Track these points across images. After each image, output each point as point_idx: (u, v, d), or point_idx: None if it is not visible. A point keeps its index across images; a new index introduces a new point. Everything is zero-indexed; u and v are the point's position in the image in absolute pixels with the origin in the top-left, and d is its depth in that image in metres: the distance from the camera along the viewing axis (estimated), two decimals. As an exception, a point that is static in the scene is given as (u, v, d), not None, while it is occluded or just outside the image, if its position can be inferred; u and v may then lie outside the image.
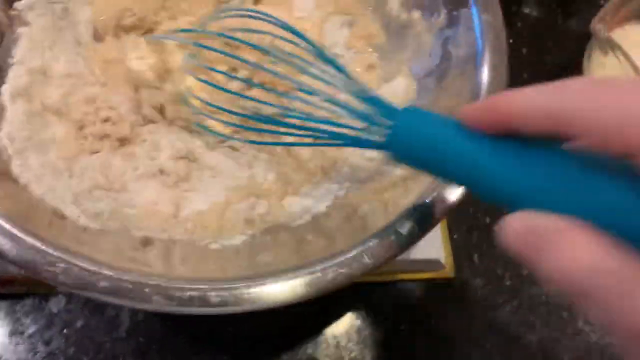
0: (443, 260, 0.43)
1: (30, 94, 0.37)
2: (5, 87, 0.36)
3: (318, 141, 0.33)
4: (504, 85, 0.36)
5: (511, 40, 0.54)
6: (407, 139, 0.27)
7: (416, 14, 0.42)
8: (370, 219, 0.35)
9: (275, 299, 0.29)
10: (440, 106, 0.38)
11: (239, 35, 0.37)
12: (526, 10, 0.58)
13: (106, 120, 0.38)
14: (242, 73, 0.38)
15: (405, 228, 0.30)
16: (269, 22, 0.37)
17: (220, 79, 0.38)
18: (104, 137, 0.37)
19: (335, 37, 0.45)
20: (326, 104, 0.32)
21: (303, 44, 0.35)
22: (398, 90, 0.41)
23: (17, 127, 0.34)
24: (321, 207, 0.37)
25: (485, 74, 0.36)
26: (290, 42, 0.37)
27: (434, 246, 0.43)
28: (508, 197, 0.23)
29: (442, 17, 0.40)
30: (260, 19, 0.38)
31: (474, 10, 0.38)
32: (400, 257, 0.40)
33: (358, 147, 0.32)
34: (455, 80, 0.38)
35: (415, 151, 0.27)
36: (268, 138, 0.37)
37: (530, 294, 0.45)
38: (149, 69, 0.38)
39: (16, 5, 0.39)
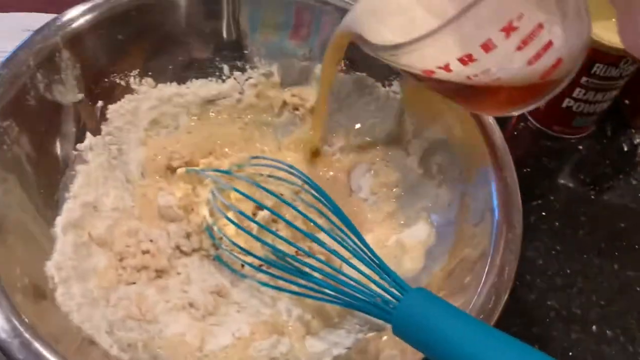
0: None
1: (81, 225, 0.40)
2: (59, 218, 0.39)
3: (328, 298, 0.36)
4: (519, 238, 0.38)
5: (544, 213, 0.55)
6: (406, 320, 0.31)
7: (434, 168, 0.46)
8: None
9: None
10: (459, 254, 0.40)
11: (266, 181, 0.41)
12: (561, 181, 0.58)
13: (146, 252, 0.40)
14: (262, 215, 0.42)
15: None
16: (296, 175, 0.42)
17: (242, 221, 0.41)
18: (142, 268, 0.39)
19: (360, 182, 0.48)
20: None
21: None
22: (419, 236, 0.44)
23: (66, 257, 0.37)
24: (341, 349, 0.38)
25: (502, 226, 0.38)
26: (314, 197, 0.41)
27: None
28: None
29: (458, 173, 0.43)
30: (288, 171, 0.42)
31: (489, 168, 0.41)
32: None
33: (365, 313, 0.34)
34: (473, 230, 0.40)
35: (411, 332, 0.31)
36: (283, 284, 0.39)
37: None
38: (176, 202, 0.42)
39: (78, 146, 0.43)
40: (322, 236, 0.39)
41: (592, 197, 0.57)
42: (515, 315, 0.49)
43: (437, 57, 0.30)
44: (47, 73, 0.40)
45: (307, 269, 0.37)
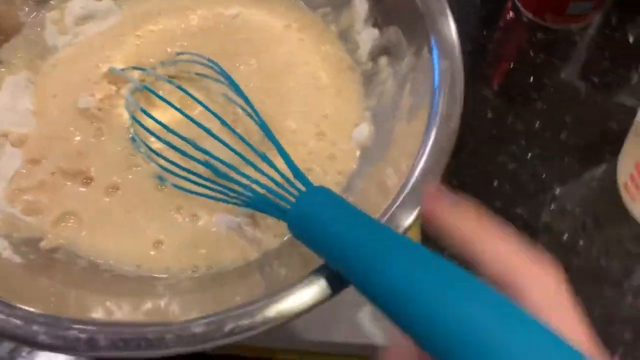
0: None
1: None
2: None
3: (230, 200, 0.34)
4: (453, 135, 0.33)
5: (522, 114, 0.49)
6: (300, 219, 0.28)
7: (383, 60, 0.41)
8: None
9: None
10: (393, 153, 0.36)
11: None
12: (547, 79, 0.51)
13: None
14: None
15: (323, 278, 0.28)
16: (219, 72, 0.38)
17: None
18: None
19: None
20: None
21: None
22: (363, 134, 0.40)
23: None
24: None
25: (437, 120, 0.34)
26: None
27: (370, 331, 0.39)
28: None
29: (405, 63, 0.38)
30: (210, 67, 0.38)
31: (434, 55, 0.36)
32: (334, 340, 0.38)
33: (261, 212, 0.32)
34: (410, 125, 0.36)
35: (304, 232, 0.28)
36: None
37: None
38: (95, 104, 0.39)
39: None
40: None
41: (582, 96, 0.50)
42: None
43: None
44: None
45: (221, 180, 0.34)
